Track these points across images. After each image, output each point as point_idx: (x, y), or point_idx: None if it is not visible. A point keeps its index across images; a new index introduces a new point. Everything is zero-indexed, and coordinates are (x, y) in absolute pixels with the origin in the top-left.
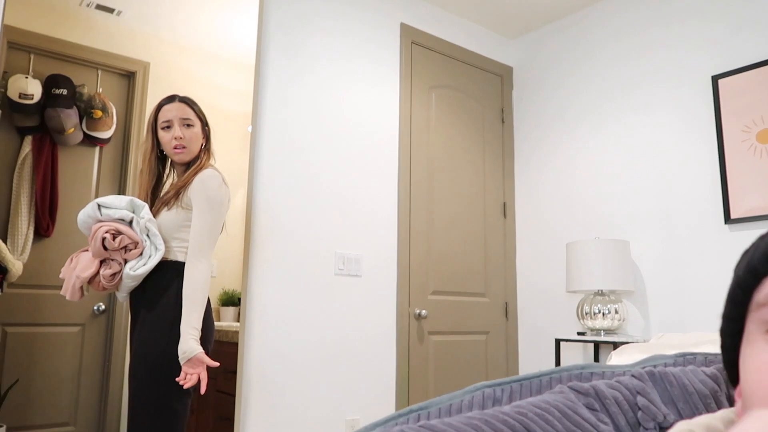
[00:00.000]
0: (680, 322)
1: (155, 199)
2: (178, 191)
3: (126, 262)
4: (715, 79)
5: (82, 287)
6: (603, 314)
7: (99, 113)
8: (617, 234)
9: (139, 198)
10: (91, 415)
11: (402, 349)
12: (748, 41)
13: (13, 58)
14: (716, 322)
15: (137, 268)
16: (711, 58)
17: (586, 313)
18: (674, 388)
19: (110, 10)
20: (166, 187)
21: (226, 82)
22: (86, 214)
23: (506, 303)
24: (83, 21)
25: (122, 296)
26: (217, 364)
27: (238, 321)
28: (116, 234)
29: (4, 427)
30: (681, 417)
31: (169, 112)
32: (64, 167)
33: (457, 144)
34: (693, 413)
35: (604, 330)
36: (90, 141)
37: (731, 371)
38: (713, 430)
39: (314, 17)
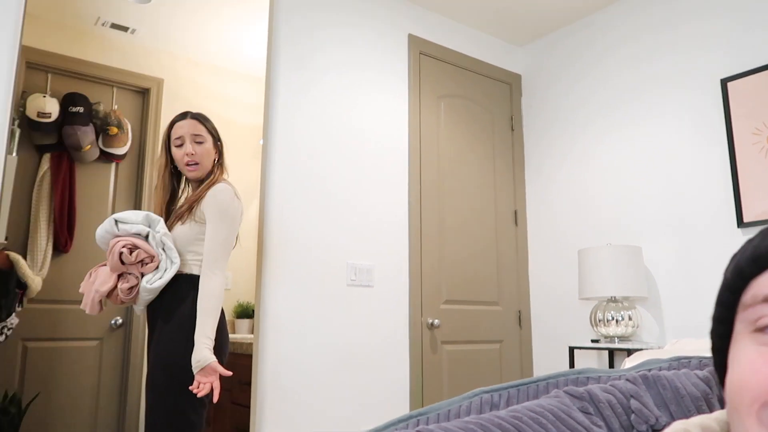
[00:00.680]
0: (695, 327)
1: (170, 214)
2: (192, 205)
3: (143, 275)
4: (725, 82)
5: (101, 301)
6: (617, 321)
7: (115, 130)
8: (629, 240)
9: (154, 213)
10: (110, 427)
11: (415, 359)
12: (757, 43)
13: (32, 78)
14: None
15: (154, 281)
16: (719, 61)
17: (600, 320)
18: (667, 391)
19: (125, 29)
20: (181, 201)
21: (239, 95)
22: (104, 229)
23: (519, 311)
24: (99, 40)
25: (139, 309)
26: (230, 373)
27: (252, 333)
28: (133, 248)
29: None
30: (673, 419)
31: (181, 128)
32: (81, 183)
33: (467, 153)
34: (685, 416)
35: (618, 337)
36: (106, 157)
37: (721, 372)
38: (708, 429)
39: (322, 29)
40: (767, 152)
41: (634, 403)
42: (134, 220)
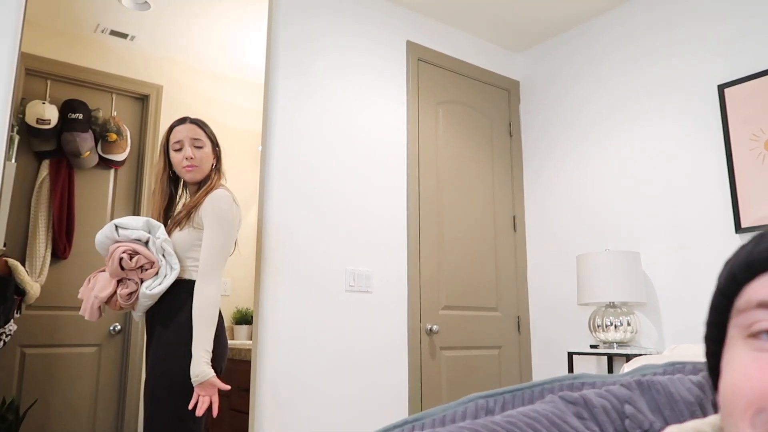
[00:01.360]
0: (693, 332)
1: (168, 220)
2: (190, 211)
3: (142, 281)
4: (721, 88)
5: (100, 307)
6: (615, 326)
7: (114, 136)
8: (628, 245)
9: (151, 218)
10: None
11: (414, 365)
12: (753, 49)
13: (31, 85)
14: None
15: (153, 287)
16: (716, 67)
17: (599, 326)
18: (661, 396)
19: (124, 36)
20: (179, 207)
21: (238, 101)
22: (104, 234)
23: (518, 317)
24: (98, 47)
25: (138, 315)
26: (228, 387)
27: (251, 339)
28: (133, 254)
29: None
30: (667, 424)
31: (180, 133)
32: (80, 190)
33: (465, 159)
34: (678, 421)
35: (616, 342)
36: (105, 163)
37: (715, 377)
38: None
39: (321, 35)
40: (764, 158)
41: (628, 408)
42: (134, 225)
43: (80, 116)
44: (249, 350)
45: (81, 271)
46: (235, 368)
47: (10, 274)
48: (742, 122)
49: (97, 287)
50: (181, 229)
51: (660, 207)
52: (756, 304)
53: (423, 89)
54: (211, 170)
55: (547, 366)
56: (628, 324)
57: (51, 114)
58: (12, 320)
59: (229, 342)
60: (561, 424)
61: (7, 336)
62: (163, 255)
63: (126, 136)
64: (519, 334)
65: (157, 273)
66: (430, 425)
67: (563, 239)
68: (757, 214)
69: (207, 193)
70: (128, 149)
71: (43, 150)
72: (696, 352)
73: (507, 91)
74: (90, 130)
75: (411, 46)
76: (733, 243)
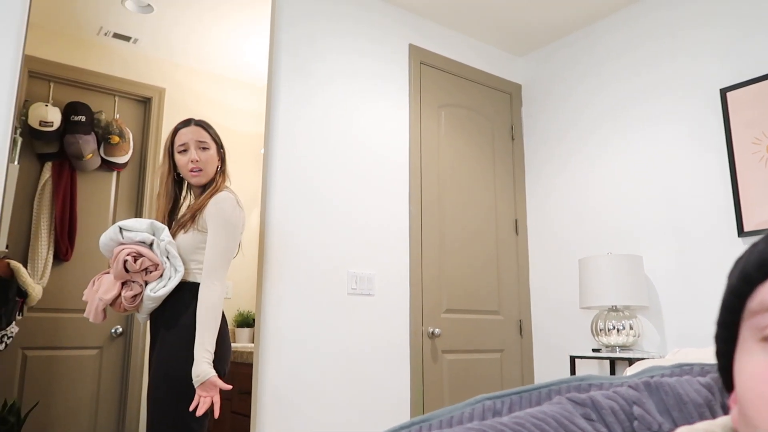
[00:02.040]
0: (696, 336)
1: (172, 222)
2: (194, 214)
3: (147, 283)
4: (724, 92)
5: (104, 309)
6: (617, 330)
7: (116, 139)
8: (630, 249)
9: (156, 220)
10: None
11: (416, 368)
12: (756, 53)
13: (34, 87)
14: None
15: (158, 290)
16: (719, 71)
17: (601, 330)
18: (669, 398)
19: (127, 38)
20: (183, 209)
21: (240, 104)
22: (108, 237)
23: (520, 320)
24: (101, 49)
25: (143, 317)
26: (229, 387)
27: (253, 342)
28: (137, 256)
29: None
30: (675, 425)
31: (185, 135)
32: (82, 192)
33: (467, 162)
34: (687, 422)
35: (619, 346)
36: (107, 166)
37: (726, 377)
38: None
39: (323, 38)
40: (767, 161)
41: (636, 409)
42: (139, 227)
43: (83, 119)
44: (251, 353)
45: (83, 273)
46: (236, 371)
47: (12, 276)
48: (745, 126)
49: (101, 289)
50: (185, 232)
51: (662, 210)
52: None
53: (425, 92)
54: (216, 172)
55: (549, 370)
56: (631, 328)
57: (54, 116)
58: (14, 322)
59: (231, 345)
60: (569, 425)
61: (8, 338)
62: (167, 257)
63: (128, 138)
64: (521, 338)
65: (161, 275)
66: (437, 426)
67: (565, 242)
68: (760, 218)
69: (211, 196)
70: (131, 152)
71: (46, 152)
72: (699, 356)
73: (509, 95)
74: (92, 133)
75: (413, 50)
76: (735, 247)
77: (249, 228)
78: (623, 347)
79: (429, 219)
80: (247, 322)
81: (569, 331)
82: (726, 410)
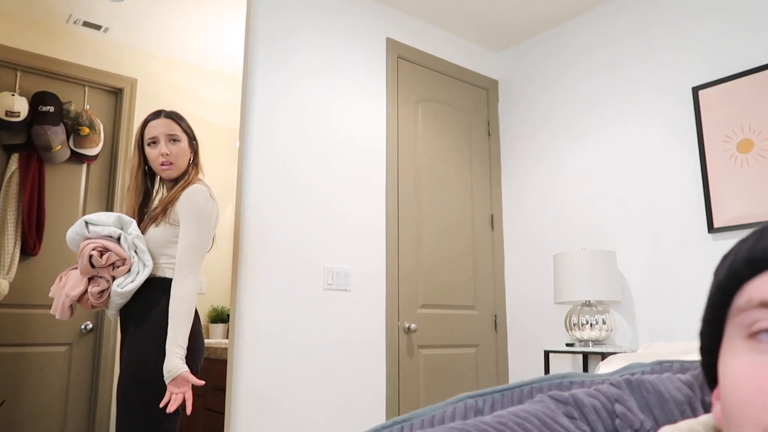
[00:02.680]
0: (667, 331)
1: (143, 216)
2: (166, 207)
3: (114, 279)
4: (696, 90)
5: (71, 305)
6: (591, 325)
7: (86, 130)
8: (604, 245)
9: (126, 215)
10: None
11: (392, 363)
12: (727, 52)
13: (0, 76)
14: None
15: (125, 285)
16: (690, 69)
17: (574, 324)
18: (650, 396)
19: (97, 27)
20: (155, 203)
21: (214, 96)
22: (74, 231)
23: (495, 315)
24: (70, 38)
25: (112, 314)
26: (202, 382)
27: (227, 338)
28: (103, 251)
29: None
30: (657, 423)
31: (155, 128)
32: (51, 185)
33: (444, 157)
34: (668, 420)
35: (592, 341)
36: (77, 158)
37: (709, 373)
38: None
39: (300, 31)
40: (737, 159)
41: (618, 407)
42: (105, 221)
43: (51, 109)
44: (225, 349)
45: (51, 268)
46: (210, 367)
47: None
48: (716, 124)
49: (68, 285)
50: (156, 226)
51: (635, 207)
52: (758, 303)
53: (402, 87)
54: (189, 165)
55: (523, 364)
56: (604, 322)
57: (21, 106)
58: None
59: (205, 341)
60: (551, 423)
61: None
62: (135, 252)
63: (99, 130)
64: (496, 333)
65: (129, 270)
66: (419, 426)
67: (540, 238)
68: (729, 215)
69: (183, 188)
70: (101, 144)
71: (13, 143)
72: (670, 350)
73: (486, 90)
74: (61, 124)
75: (391, 44)
76: (706, 243)
77: (224, 222)
78: (596, 342)
79: (405, 214)
80: (221, 317)
81: (543, 325)
82: (707, 407)
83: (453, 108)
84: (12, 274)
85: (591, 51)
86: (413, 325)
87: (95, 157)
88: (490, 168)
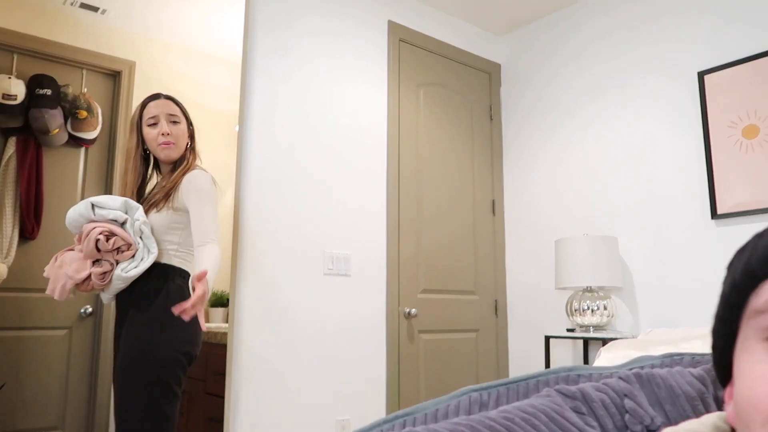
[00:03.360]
0: (669, 317)
1: (140, 200)
2: (168, 193)
3: (117, 262)
4: (701, 75)
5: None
6: (592, 310)
7: (84, 113)
8: (605, 230)
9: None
10: (80, 418)
11: (392, 348)
12: (734, 37)
13: None
14: (703, 317)
15: (129, 270)
16: (697, 54)
17: (575, 310)
18: (661, 390)
19: (95, 9)
20: (149, 188)
21: (214, 80)
22: (78, 212)
23: (496, 300)
24: (67, 20)
25: (107, 297)
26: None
27: (227, 322)
28: (110, 235)
29: None
30: (668, 419)
31: (156, 108)
32: (49, 168)
33: (445, 142)
34: (680, 415)
35: (593, 326)
36: (75, 142)
37: (721, 372)
38: None
39: (301, 15)
40: (741, 145)
41: (628, 402)
42: (112, 205)
43: (48, 92)
44: (224, 333)
45: (50, 251)
46: (210, 352)
47: None
48: (721, 109)
49: (72, 268)
50: (158, 211)
51: (638, 193)
52: None
53: (404, 71)
54: (186, 150)
55: (523, 349)
56: (605, 308)
57: (18, 89)
58: None
59: (205, 325)
60: (559, 419)
61: None
62: (141, 237)
63: (97, 113)
64: (496, 318)
65: (133, 256)
66: (422, 420)
67: (542, 223)
68: (733, 201)
69: (184, 174)
70: (99, 127)
71: (10, 127)
72: (671, 336)
73: (488, 74)
74: (59, 107)
75: (392, 27)
76: (709, 230)
77: (223, 207)
78: (597, 327)
79: (406, 199)
80: (221, 302)
81: (544, 311)
82: (719, 403)
83: (455, 92)
84: (11, 258)
85: (596, 36)
86: (413, 310)
87: (93, 140)
88: (492, 153)
